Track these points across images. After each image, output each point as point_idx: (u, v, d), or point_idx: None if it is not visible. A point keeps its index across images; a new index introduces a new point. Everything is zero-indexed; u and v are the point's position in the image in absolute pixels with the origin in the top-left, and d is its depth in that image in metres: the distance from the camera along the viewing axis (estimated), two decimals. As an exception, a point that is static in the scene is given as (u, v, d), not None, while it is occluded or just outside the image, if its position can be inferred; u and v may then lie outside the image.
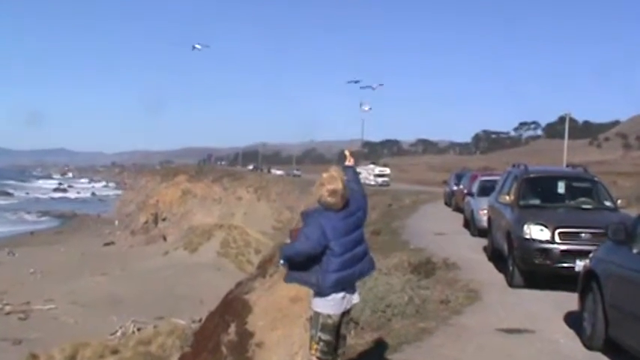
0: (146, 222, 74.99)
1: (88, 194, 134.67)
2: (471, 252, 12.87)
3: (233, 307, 25.31)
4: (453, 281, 9.58)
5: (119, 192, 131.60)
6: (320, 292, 4.28)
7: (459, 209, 22.13)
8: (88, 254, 54.20)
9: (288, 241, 4.41)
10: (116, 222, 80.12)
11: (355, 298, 4.49)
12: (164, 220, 75.53)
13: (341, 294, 4.29)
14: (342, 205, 4.28)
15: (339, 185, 4.24)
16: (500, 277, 9.96)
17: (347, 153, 4.80)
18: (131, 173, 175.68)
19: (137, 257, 54.63)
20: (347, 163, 4.74)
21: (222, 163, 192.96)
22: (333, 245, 4.19)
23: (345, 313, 4.42)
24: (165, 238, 67.38)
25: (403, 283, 8.53)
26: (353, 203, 4.38)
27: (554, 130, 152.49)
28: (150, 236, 69.41)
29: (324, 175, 4.31)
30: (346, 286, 4.31)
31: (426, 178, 76.61)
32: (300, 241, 4.23)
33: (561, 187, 10.43)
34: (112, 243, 64.94)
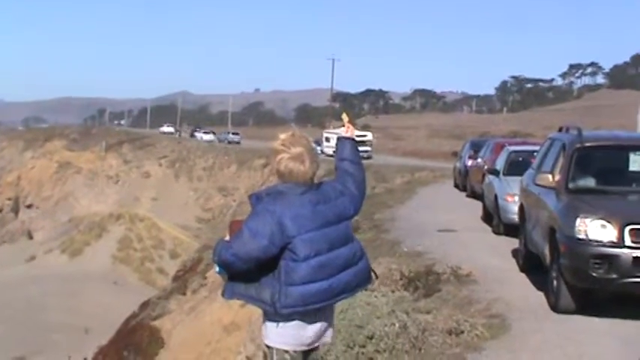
0: (0, 210, 74.10)
1: None
2: (493, 258, 13.00)
3: (136, 339, 25.18)
4: (467, 302, 9.67)
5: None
6: (275, 316, 4.27)
7: (475, 194, 22.50)
8: None
9: (227, 237, 4.39)
10: None
11: (328, 334, 4.52)
12: (29, 207, 74.73)
13: (307, 320, 4.30)
14: (311, 177, 4.31)
15: (306, 147, 4.31)
16: (538, 297, 10.04)
17: (345, 117, 4.80)
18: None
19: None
20: (344, 132, 4.74)
21: (122, 122, 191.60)
22: (297, 244, 4.18)
23: (311, 350, 4.45)
24: (30, 236, 66.76)
25: (392, 304, 8.60)
26: (334, 186, 4.46)
27: (623, 77, 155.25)
28: (6, 232, 68.70)
29: (282, 135, 4.40)
30: (316, 308, 4.28)
31: (427, 148, 77.40)
32: (240, 240, 4.21)
33: (635, 163, 10.46)
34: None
